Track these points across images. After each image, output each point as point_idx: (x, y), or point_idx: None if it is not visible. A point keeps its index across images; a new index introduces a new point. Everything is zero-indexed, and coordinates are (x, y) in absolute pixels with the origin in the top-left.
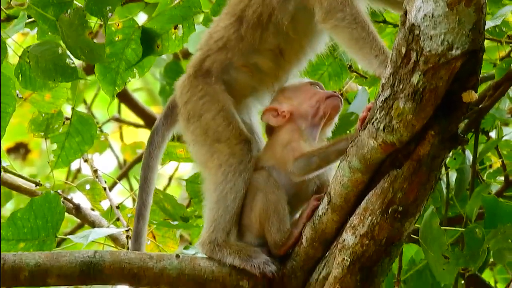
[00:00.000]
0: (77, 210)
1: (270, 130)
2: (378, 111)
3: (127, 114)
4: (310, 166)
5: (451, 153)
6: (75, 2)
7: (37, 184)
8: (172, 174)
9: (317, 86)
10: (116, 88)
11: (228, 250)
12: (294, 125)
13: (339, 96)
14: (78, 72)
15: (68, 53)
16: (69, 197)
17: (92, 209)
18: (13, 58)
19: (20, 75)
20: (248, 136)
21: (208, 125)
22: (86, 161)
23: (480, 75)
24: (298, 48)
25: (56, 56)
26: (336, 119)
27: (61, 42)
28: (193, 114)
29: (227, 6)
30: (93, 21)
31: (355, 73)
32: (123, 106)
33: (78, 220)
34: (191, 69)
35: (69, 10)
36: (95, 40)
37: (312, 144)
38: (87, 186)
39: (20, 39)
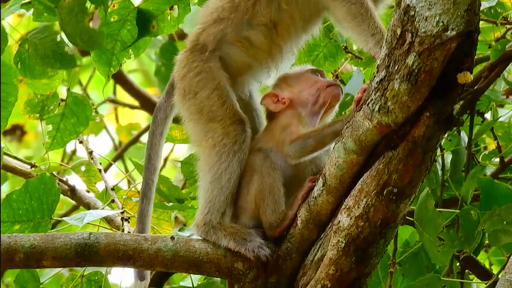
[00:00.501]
0: (72, 192)
1: (271, 115)
2: (373, 92)
3: (123, 95)
4: (305, 148)
5: (446, 135)
6: None
7: (32, 165)
8: (167, 155)
9: (318, 74)
10: (112, 69)
11: (223, 232)
12: (294, 111)
13: (340, 85)
14: (76, 59)
15: (66, 40)
16: (64, 179)
17: (87, 191)
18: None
19: (19, 63)
20: (243, 116)
21: (203, 103)
22: (81, 142)
23: (475, 57)
24: (291, 22)
25: (55, 44)
26: (336, 108)
27: (58, 27)
28: (189, 90)
29: None
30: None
31: (350, 54)
32: (118, 88)
33: (73, 202)
34: (189, 44)
35: None
36: (91, 23)
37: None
38: (82, 168)
39: (15, 21)
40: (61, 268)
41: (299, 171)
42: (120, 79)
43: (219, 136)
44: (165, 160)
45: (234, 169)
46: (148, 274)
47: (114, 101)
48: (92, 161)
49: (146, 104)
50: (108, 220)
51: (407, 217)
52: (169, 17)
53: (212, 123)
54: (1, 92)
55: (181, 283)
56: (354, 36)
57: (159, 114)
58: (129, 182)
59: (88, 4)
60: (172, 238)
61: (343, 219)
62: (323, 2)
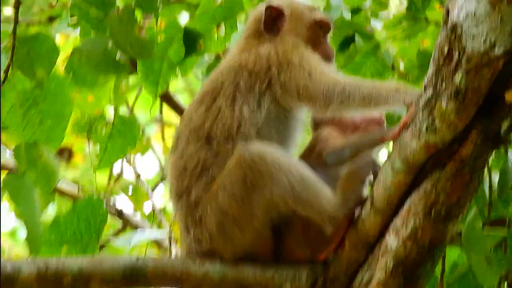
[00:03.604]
0: (119, 213)
1: (316, 125)
2: (421, 111)
3: (169, 115)
4: (342, 157)
5: (493, 154)
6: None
7: (80, 187)
8: None
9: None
10: (159, 88)
11: None
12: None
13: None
14: (128, 66)
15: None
16: (111, 200)
17: (135, 212)
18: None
19: (71, 73)
20: None
21: None
22: (128, 161)
23: None
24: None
25: (107, 51)
26: None
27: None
28: None
29: (185, 134)
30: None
31: (397, 73)
32: (165, 107)
33: (121, 223)
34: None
35: (116, 8)
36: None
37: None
38: (130, 189)
39: (61, 41)
40: None
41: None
42: (167, 98)
43: None
44: None
45: None
46: None
47: (160, 121)
48: (139, 182)
49: None
50: (156, 242)
51: (455, 238)
52: (216, 36)
53: None
54: (57, 104)
55: None
56: (385, 108)
57: None
58: None
59: (137, 13)
60: (221, 260)
61: (391, 240)
62: (334, 115)
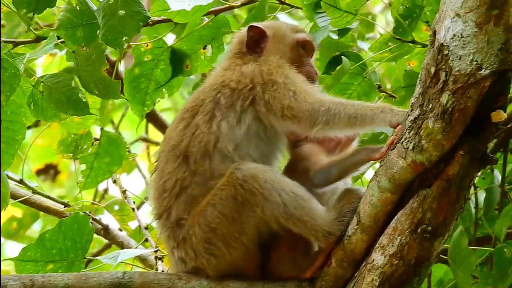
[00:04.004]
0: (105, 231)
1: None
2: (408, 130)
3: (155, 134)
4: (330, 177)
5: (479, 173)
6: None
7: (65, 205)
8: None
9: None
10: (145, 108)
11: None
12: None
13: None
14: (89, 107)
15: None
16: (97, 218)
17: (120, 230)
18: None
19: (32, 104)
20: None
21: None
22: (115, 182)
23: (509, 95)
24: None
25: (69, 89)
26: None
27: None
28: None
29: (164, 153)
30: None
31: (384, 93)
32: (150, 126)
33: (106, 241)
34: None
35: (92, 34)
36: (123, 61)
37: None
38: (116, 207)
39: (48, 60)
40: None
41: (322, 201)
42: (153, 117)
43: None
44: None
45: None
46: None
47: (146, 140)
48: (125, 200)
49: None
50: (142, 259)
51: (441, 255)
52: (202, 57)
53: None
54: (10, 130)
55: None
56: (370, 128)
57: None
58: None
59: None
60: (207, 277)
61: (377, 257)
62: (320, 136)
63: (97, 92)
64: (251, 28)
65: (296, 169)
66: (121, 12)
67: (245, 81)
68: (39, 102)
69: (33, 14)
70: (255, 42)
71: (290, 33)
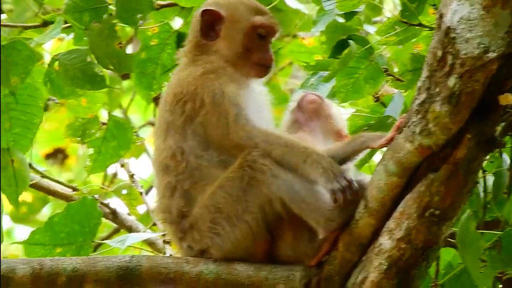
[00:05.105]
0: (113, 215)
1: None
2: (415, 114)
3: None
4: None
5: (488, 156)
6: (110, 7)
7: (74, 189)
8: None
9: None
10: (152, 92)
11: None
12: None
13: (308, 92)
14: (106, 80)
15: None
16: (105, 202)
17: (129, 214)
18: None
19: (48, 83)
20: None
21: None
22: (122, 166)
23: None
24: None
25: (85, 65)
26: (329, 110)
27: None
28: None
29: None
30: (127, 26)
31: (391, 77)
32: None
33: (115, 225)
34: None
35: (99, 18)
36: (130, 45)
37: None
38: (124, 191)
39: (56, 45)
40: None
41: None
42: None
43: None
44: None
45: None
46: None
47: (154, 124)
48: (133, 184)
49: None
50: (150, 243)
51: (449, 239)
52: None
53: None
54: (27, 113)
55: None
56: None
57: None
58: None
59: (127, 29)
60: (214, 260)
61: (385, 241)
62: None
63: (112, 67)
64: (204, 12)
65: None
66: None
67: (180, 94)
68: (55, 81)
69: None
70: (209, 25)
71: (247, 15)
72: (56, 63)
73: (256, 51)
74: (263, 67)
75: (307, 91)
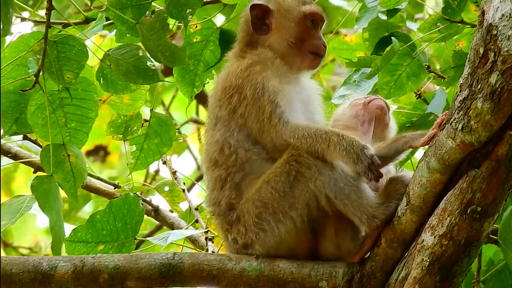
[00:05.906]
0: (156, 212)
1: None
2: (456, 111)
3: (205, 115)
4: None
5: None
6: (153, 3)
7: (116, 186)
8: None
9: (362, 100)
10: (195, 89)
11: None
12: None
13: (380, 97)
14: (159, 74)
15: (148, 55)
16: (148, 199)
17: (171, 211)
18: (92, 60)
19: (101, 78)
20: None
21: None
22: (164, 163)
23: None
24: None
25: (137, 59)
26: (388, 120)
27: (141, 45)
28: None
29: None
30: (171, 23)
31: (433, 74)
32: (201, 107)
33: (157, 222)
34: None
35: (148, 13)
36: (173, 42)
37: None
38: (166, 188)
39: (98, 41)
40: None
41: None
42: (203, 99)
43: None
44: None
45: None
46: None
47: (196, 121)
48: (175, 181)
49: None
50: (192, 240)
51: (491, 236)
52: None
53: None
54: (82, 108)
55: None
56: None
57: None
58: None
59: (170, 26)
60: (257, 257)
61: (427, 238)
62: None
63: (164, 61)
64: (253, 6)
65: None
66: None
67: (229, 87)
68: (108, 76)
69: None
70: (260, 20)
71: (296, 5)
72: (108, 58)
73: (309, 40)
74: (316, 56)
75: (379, 96)
